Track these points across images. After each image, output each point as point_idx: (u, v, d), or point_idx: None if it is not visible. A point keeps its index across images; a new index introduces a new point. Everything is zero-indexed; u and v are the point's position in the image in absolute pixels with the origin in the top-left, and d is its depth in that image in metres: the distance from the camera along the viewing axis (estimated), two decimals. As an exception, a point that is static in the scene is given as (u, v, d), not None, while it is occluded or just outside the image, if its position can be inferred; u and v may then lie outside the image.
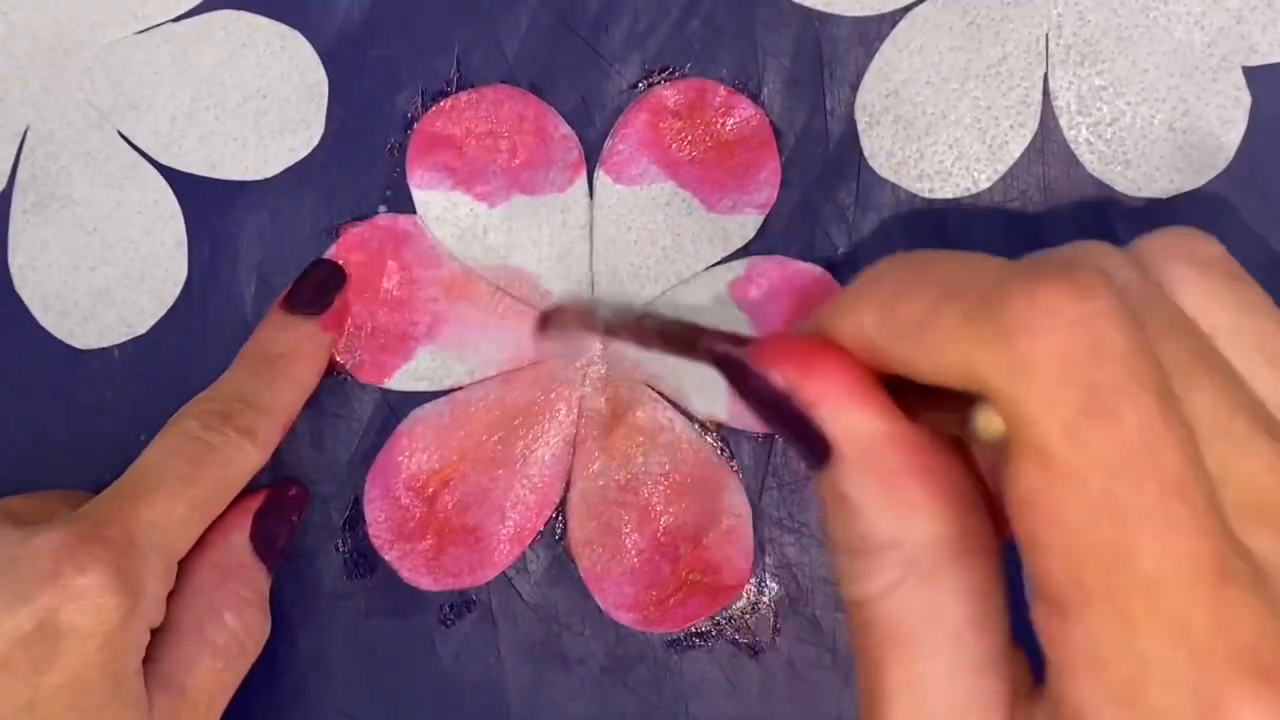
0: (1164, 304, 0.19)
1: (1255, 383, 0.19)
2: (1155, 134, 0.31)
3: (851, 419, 0.19)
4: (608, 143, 0.32)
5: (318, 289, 0.32)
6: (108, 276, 0.33)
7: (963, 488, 0.19)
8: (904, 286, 0.19)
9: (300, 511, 0.32)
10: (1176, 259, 0.21)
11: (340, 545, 0.32)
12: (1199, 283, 0.20)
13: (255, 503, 0.31)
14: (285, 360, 0.31)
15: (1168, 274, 0.20)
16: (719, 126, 0.32)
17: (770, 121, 0.32)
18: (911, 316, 0.18)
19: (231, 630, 0.29)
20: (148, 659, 0.28)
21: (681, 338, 0.23)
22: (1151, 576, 0.16)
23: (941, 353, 0.18)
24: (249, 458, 0.30)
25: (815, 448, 0.19)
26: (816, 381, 0.19)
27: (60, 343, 0.33)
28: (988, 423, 0.17)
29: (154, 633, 0.28)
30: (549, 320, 0.31)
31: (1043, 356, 0.16)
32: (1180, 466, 0.16)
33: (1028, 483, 0.17)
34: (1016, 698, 0.19)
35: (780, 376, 0.19)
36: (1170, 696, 0.16)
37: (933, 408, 0.19)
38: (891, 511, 0.19)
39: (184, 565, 0.29)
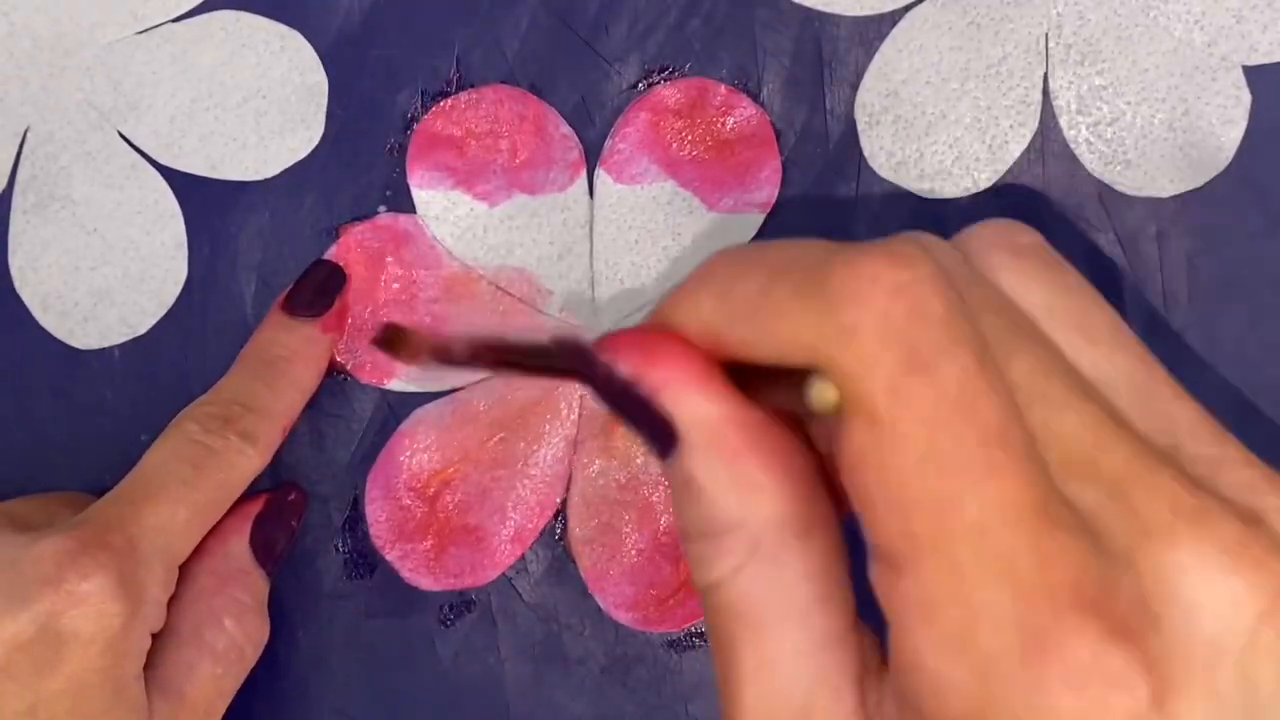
0: (983, 284, 0.20)
1: (1075, 356, 0.20)
2: (1155, 134, 0.31)
3: (694, 403, 0.19)
4: (608, 142, 0.32)
5: (318, 290, 0.32)
6: (108, 277, 0.33)
7: (803, 468, 0.20)
8: (738, 272, 0.19)
9: (299, 516, 0.32)
10: (995, 246, 0.21)
11: (340, 545, 0.32)
12: (1016, 267, 0.21)
13: (255, 508, 0.31)
14: (285, 363, 0.31)
15: (988, 261, 0.21)
16: (719, 125, 0.32)
17: (770, 121, 0.32)
18: (746, 298, 0.19)
19: (231, 636, 0.29)
20: (147, 665, 0.28)
21: (525, 353, 0.24)
22: (976, 522, 0.16)
23: (774, 329, 0.18)
24: (250, 462, 0.30)
25: (661, 434, 0.20)
26: (660, 369, 0.20)
27: (60, 343, 0.33)
28: (821, 393, 0.18)
29: (153, 638, 0.28)
30: (397, 342, 0.31)
31: (864, 322, 0.17)
32: (999, 417, 0.17)
33: (857, 443, 0.17)
34: (866, 671, 0.19)
35: (625, 365, 0.20)
36: (999, 637, 0.16)
37: (772, 389, 0.19)
38: (735, 492, 0.19)
39: (184, 570, 0.29)
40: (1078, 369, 0.19)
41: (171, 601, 0.29)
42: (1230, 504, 0.17)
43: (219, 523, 0.30)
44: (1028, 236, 0.22)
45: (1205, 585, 0.17)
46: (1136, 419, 0.19)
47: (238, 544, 0.31)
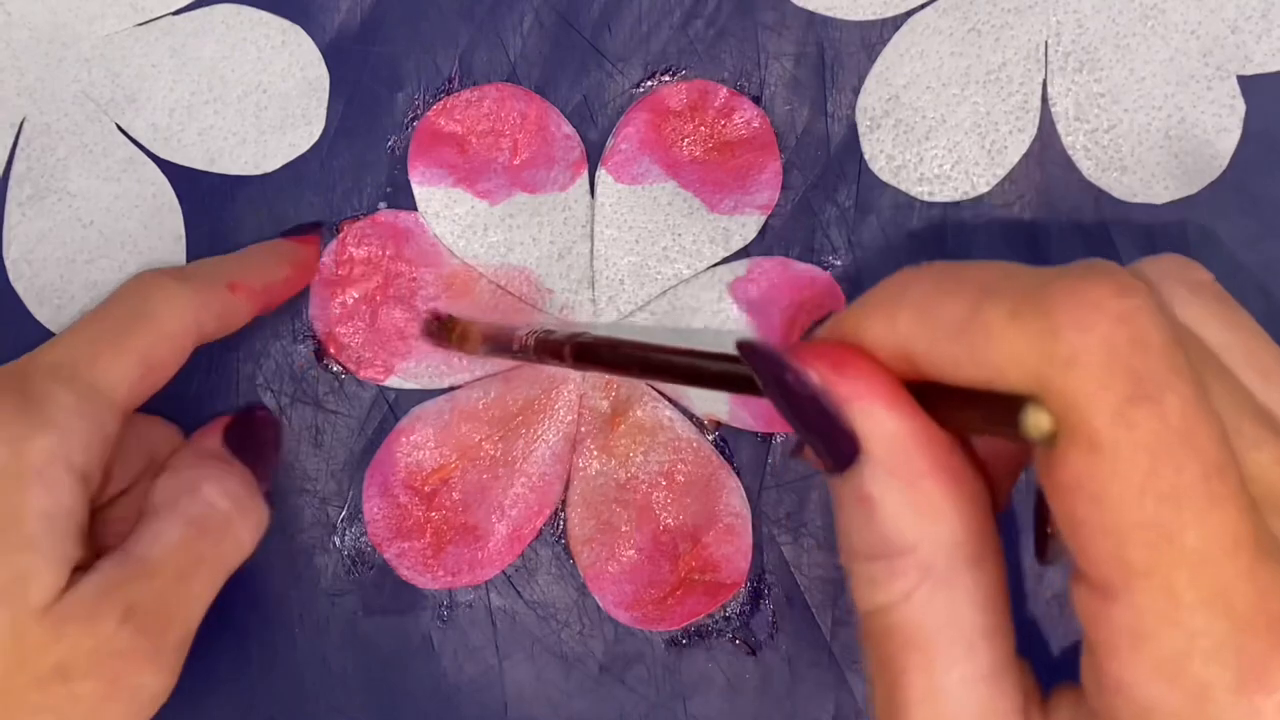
0: (1172, 315, 0.20)
1: (1253, 392, 0.20)
2: (1151, 141, 0.31)
3: (882, 418, 0.20)
4: (609, 142, 0.32)
5: (250, 439, 0.31)
6: (104, 270, 0.33)
7: (979, 493, 0.20)
8: (939, 290, 0.19)
9: (275, 430, 0.32)
10: (1174, 280, 0.22)
11: (338, 542, 0.32)
12: (1193, 303, 0.21)
13: (224, 420, 0.31)
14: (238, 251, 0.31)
15: (1165, 293, 0.21)
16: (721, 127, 0.32)
17: (771, 123, 0.32)
18: (952, 317, 0.19)
19: (209, 502, 0.28)
20: (113, 537, 0.27)
21: (679, 359, 0.24)
22: (1195, 552, 0.17)
23: (986, 351, 0.18)
24: (177, 296, 0.28)
25: (843, 448, 0.20)
26: (850, 381, 0.20)
27: (55, 336, 0.33)
28: (1037, 420, 0.18)
29: (126, 519, 0.28)
30: (472, 336, 0.31)
31: (1089, 348, 0.17)
32: (1218, 450, 0.17)
33: (1075, 468, 0.17)
34: (1029, 703, 0.20)
35: (815, 374, 0.20)
36: (1214, 666, 0.17)
37: (962, 410, 0.19)
38: (914, 513, 0.19)
39: (166, 463, 0.29)
40: (1258, 401, 0.20)
41: (147, 482, 0.28)
42: None
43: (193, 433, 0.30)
44: (1202, 273, 0.22)
45: None
46: None
47: (212, 440, 0.30)
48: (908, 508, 0.19)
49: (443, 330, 0.31)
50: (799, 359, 0.20)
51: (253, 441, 0.31)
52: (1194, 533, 0.17)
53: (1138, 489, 0.17)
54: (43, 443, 0.25)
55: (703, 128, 0.32)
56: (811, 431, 0.20)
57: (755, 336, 0.21)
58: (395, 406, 0.32)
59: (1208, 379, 0.19)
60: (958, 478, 0.20)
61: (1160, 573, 0.17)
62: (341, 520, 0.32)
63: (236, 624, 0.32)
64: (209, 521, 0.28)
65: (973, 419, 0.19)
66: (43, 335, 0.32)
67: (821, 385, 0.20)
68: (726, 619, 0.32)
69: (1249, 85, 0.31)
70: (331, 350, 0.32)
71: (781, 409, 0.21)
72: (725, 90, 0.32)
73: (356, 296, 0.32)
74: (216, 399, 0.32)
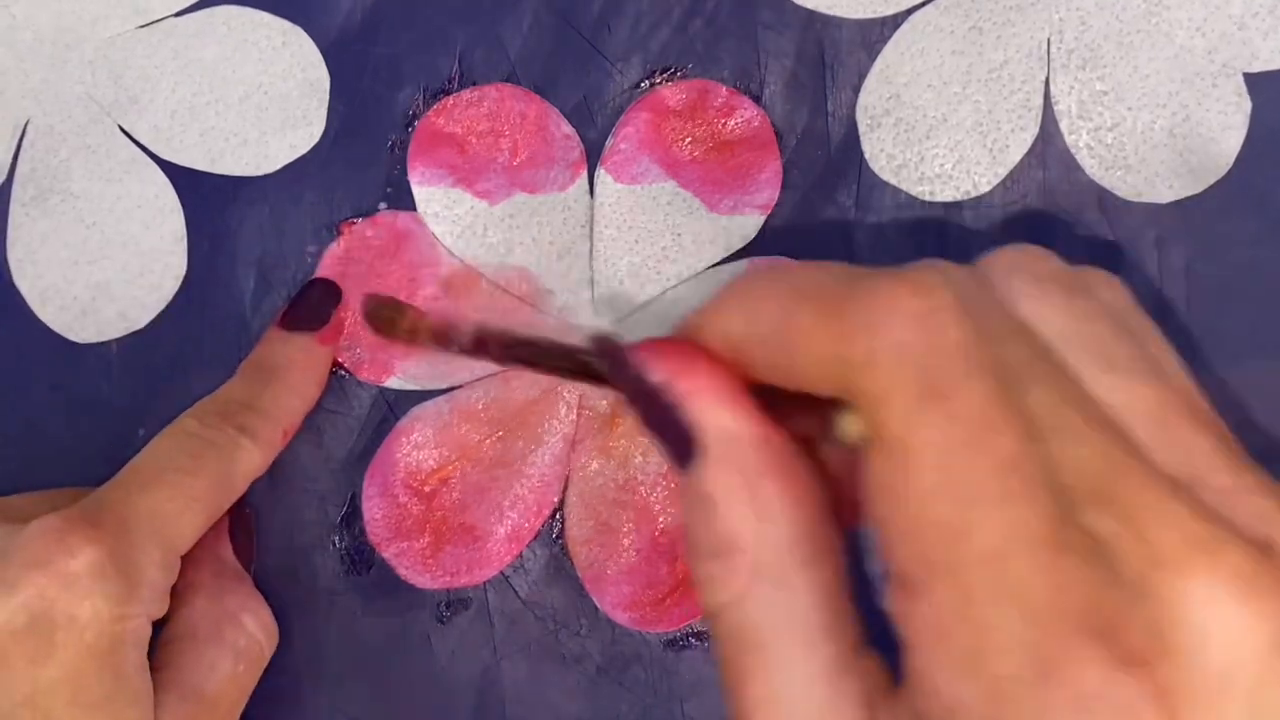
0: (1002, 312, 0.20)
1: (1092, 385, 0.20)
2: (1156, 139, 0.31)
3: (718, 416, 0.20)
4: (609, 141, 0.32)
5: (313, 309, 0.32)
6: (107, 271, 0.33)
7: (814, 493, 0.20)
8: (765, 293, 0.20)
9: (251, 527, 0.33)
10: (1016, 272, 0.21)
11: (336, 542, 0.32)
12: (1037, 295, 0.21)
13: (224, 521, 0.32)
14: (283, 369, 0.31)
15: (1008, 287, 0.21)
16: (721, 126, 0.32)
17: (771, 123, 0.32)
18: (770, 320, 0.19)
19: (250, 633, 0.30)
20: (167, 667, 0.28)
21: (547, 349, 0.24)
22: (988, 548, 0.17)
23: (797, 355, 0.19)
24: (249, 456, 0.30)
25: (681, 444, 0.20)
26: (690, 378, 0.20)
27: (58, 337, 0.33)
28: (850, 424, 0.18)
29: (173, 641, 0.28)
30: (390, 318, 0.31)
31: (883, 349, 0.18)
32: (1014, 446, 0.17)
33: (877, 470, 0.18)
34: (875, 696, 0.19)
35: (656, 371, 0.20)
36: (1011, 661, 0.16)
37: (794, 412, 0.20)
38: (748, 511, 0.19)
39: (191, 575, 0.29)
40: (1095, 399, 0.19)
41: (185, 606, 0.29)
42: (1243, 533, 0.17)
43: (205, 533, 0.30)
44: (1049, 263, 0.22)
45: (1216, 615, 0.17)
46: (1154, 449, 0.19)
47: (225, 549, 0.31)
48: (743, 504, 0.19)
49: (390, 318, 0.31)
50: (642, 355, 0.20)
51: (245, 542, 0.32)
52: (987, 529, 0.17)
53: (931, 488, 0.17)
54: (137, 599, 0.27)
55: (703, 127, 0.32)
56: (653, 427, 0.20)
57: (605, 333, 0.22)
58: (395, 406, 0.32)
59: (1029, 374, 0.19)
60: (792, 477, 0.20)
61: (956, 570, 0.17)
62: (341, 519, 0.32)
63: (236, 623, 0.32)
64: (251, 652, 0.30)
65: (797, 419, 0.20)
66: (45, 335, 0.33)
67: (662, 381, 0.20)
68: (725, 620, 0.32)
69: (1255, 83, 0.31)
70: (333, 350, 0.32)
71: (628, 404, 0.21)
72: (725, 89, 0.32)
73: (355, 297, 0.32)
74: (217, 399, 0.33)
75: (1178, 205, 0.31)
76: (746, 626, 0.19)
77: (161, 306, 0.33)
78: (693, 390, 0.20)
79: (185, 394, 0.32)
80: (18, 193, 0.33)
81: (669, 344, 0.21)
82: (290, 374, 0.31)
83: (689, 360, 0.20)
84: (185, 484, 0.28)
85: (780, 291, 0.19)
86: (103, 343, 0.33)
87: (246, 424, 0.30)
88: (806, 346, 0.19)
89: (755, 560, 0.19)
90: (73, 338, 0.33)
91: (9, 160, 0.33)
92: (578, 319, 0.32)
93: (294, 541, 0.32)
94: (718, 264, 0.32)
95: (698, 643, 0.32)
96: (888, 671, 0.20)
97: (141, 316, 0.33)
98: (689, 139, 0.32)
